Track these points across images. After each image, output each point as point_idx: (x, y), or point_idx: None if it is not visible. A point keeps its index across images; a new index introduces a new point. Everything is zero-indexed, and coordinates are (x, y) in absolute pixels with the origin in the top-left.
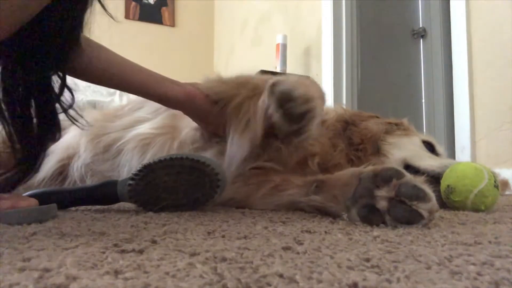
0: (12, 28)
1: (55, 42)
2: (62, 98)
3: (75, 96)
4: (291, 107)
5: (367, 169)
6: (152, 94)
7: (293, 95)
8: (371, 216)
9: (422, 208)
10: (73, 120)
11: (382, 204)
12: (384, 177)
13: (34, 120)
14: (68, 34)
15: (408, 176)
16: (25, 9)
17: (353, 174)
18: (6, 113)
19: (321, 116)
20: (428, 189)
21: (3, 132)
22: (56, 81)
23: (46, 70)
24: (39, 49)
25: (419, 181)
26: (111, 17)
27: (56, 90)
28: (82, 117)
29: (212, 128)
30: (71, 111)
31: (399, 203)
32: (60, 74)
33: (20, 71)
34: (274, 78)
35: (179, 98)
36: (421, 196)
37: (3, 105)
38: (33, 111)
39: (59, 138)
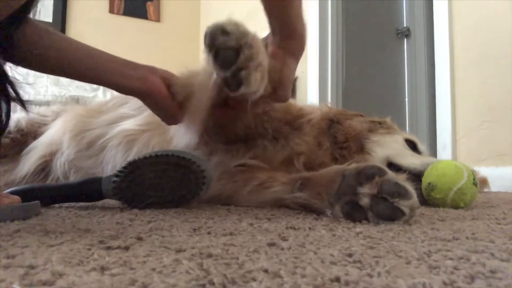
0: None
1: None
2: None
3: (60, 91)
4: (224, 41)
5: (350, 166)
6: (105, 83)
7: (226, 28)
8: (354, 213)
9: (404, 205)
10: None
11: (364, 201)
12: (367, 175)
13: None
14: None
15: (390, 173)
16: None
17: (337, 171)
18: None
19: (263, 66)
20: (410, 187)
21: None
22: None
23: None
24: None
25: (401, 179)
26: None
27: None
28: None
29: (171, 121)
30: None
31: (381, 200)
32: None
33: None
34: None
35: (135, 91)
36: (402, 193)
37: None
38: None
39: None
